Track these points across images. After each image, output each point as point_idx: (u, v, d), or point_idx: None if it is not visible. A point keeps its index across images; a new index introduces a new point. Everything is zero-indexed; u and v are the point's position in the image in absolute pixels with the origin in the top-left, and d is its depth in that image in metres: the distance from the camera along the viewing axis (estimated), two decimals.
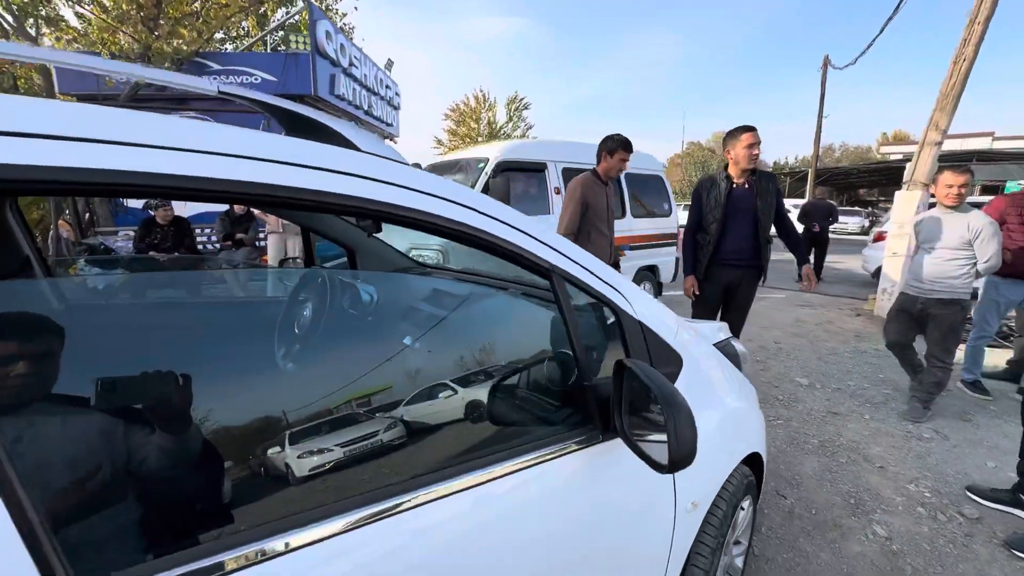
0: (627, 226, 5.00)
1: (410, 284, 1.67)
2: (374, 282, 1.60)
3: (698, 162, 35.20)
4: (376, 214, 0.72)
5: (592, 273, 1.00)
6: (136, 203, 7.15)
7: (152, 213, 5.12)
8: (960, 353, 3.50)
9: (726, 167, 2.78)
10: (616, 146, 2.89)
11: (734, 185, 2.72)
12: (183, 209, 5.69)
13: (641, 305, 1.11)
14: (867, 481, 2.37)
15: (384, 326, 1.41)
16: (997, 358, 4.08)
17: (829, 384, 3.62)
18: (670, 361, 1.18)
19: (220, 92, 0.83)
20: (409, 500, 0.69)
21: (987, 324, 3.46)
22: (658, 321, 1.16)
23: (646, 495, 1.08)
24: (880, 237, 7.27)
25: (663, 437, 0.84)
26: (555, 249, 0.93)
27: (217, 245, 5.56)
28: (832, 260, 10.04)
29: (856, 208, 24.29)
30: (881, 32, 9.42)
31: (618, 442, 0.99)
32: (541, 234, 0.91)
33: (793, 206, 9.29)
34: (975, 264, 2.79)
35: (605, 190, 2.95)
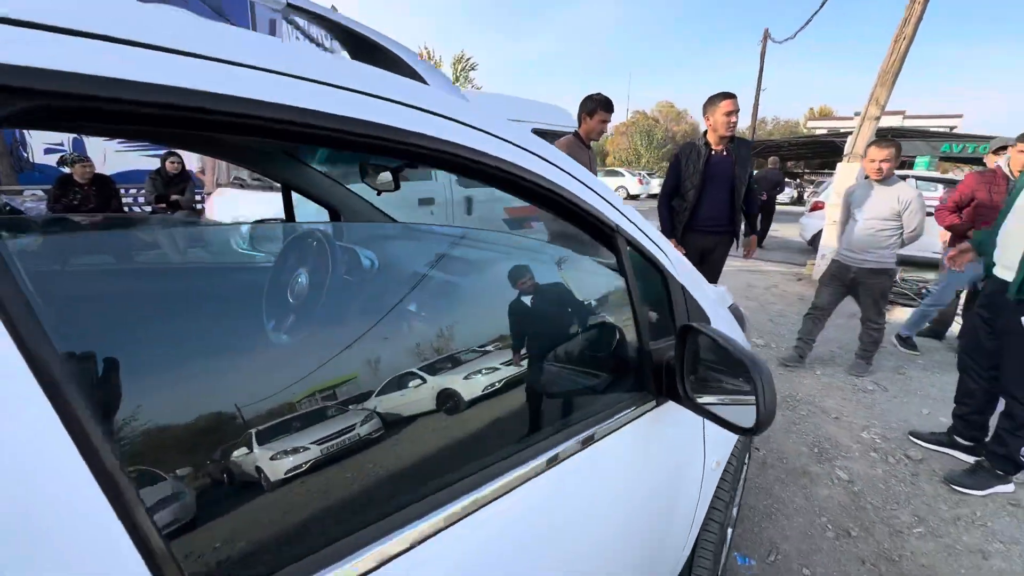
0: None
1: (423, 247, 1.56)
2: (386, 240, 1.48)
3: (643, 131, 35.78)
4: (456, 162, 0.63)
5: (646, 235, 0.96)
6: (46, 159, 6.25)
7: (68, 170, 4.48)
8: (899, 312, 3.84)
9: (705, 134, 2.80)
10: (596, 107, 2.83)
11: (712, 152, 2.76)
12: (104, 167, 5.04)
13: (681, 267, 1.09)
14: (826, 431, 2.58)
15: (400, 294, 1.31)
16: None
17: (782, 344, 3.88)
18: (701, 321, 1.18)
19: (288, 3, 0.69)
20: (488, 489, 0.63)
21: (945, 295, 3.74)
22: (694, 284, 1.15)
23: (684, 455, 1.10)
24: (817, 206, 7.77)
25: (735, 399, 0.84)
26: (618, 209, 0.88)
27: (147, 208, 5.01)
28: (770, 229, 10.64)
29: (787, 180, 25.79)
30: (822, 7, 9.81)
31: (668, 406, 0.99)
32: (606, 193, 0.86)
33: None
34: (902, 234, 2.96)
35: (588, 153, 2.90)
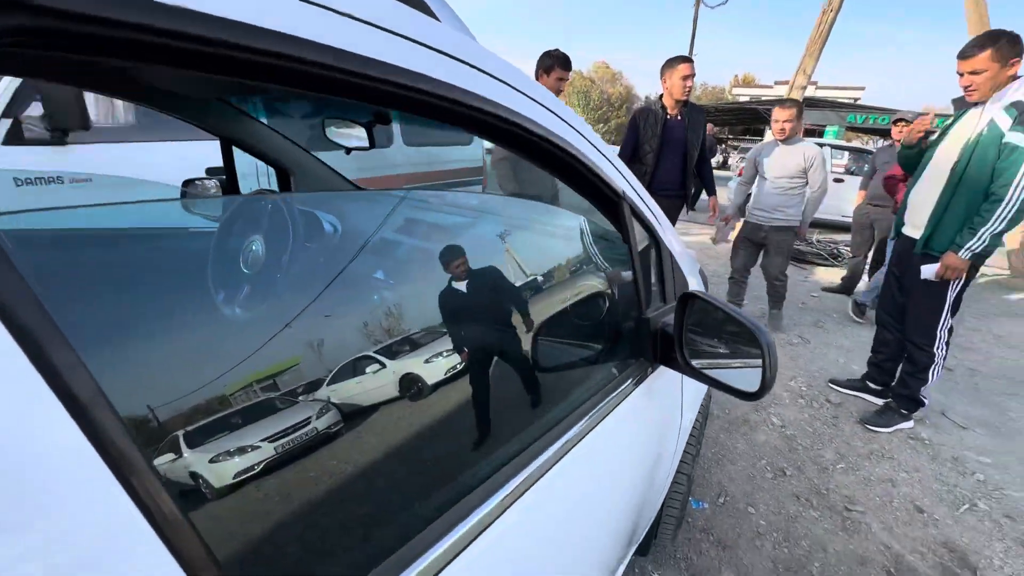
0: (398, 159, 3.33)
1: (392, 213, 1.45)
2: (344, 205, 1.35)
3: (580, 91, 35.68)
4: (464, 115, 0.56)
5: (644, 202, 0.94)
6: None
7: None
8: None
9: (661, 97, 2.81)
10: (553, 63, 2.74)
11: (668, 116, 2.79)
12: None
13: (670, 235, 1.09)
14: None
15: (370, 262, 1.21)
16: (833, 275, 5.00)
17: None
18: (682, 290, 1.21)
19: None
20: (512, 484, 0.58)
21: None
22: (679, 252, 1.16)
23: (667, 417, 1.14)
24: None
25: (732, 364, 0.87)
26: (623, 175, 0.85)
27: None
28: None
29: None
30: None
31: (660, 371, 1.00)
32: (612, 157, 0.82)
33: None
34: (806, 192, 3.11)
35: None
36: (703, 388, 1.49)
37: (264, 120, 1.45)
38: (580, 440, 0.72)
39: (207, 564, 0.30)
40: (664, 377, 1.04)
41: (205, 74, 0.34)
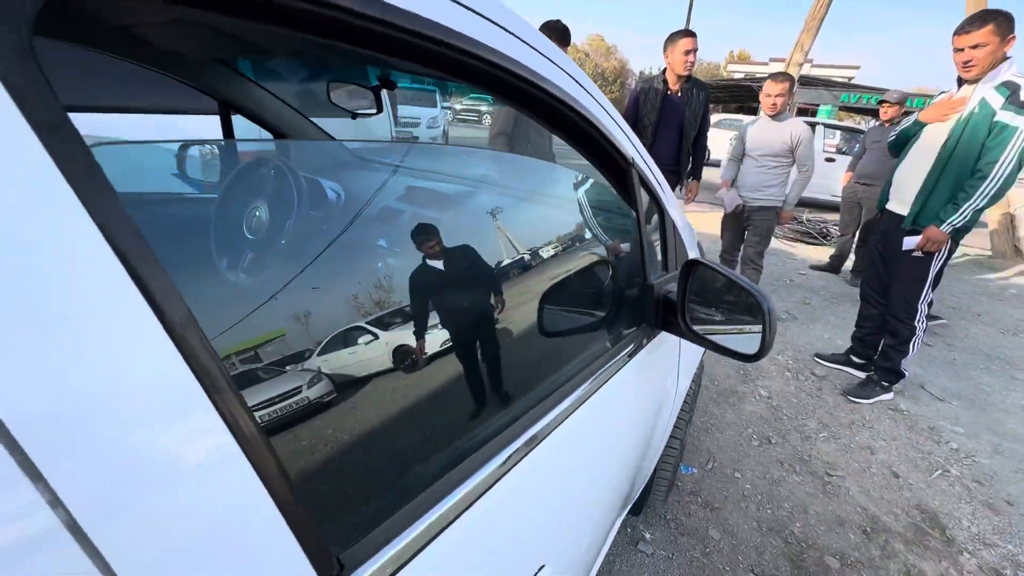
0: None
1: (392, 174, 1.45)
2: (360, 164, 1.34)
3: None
4: (483, 71, 0.54)
5: (651, 170, 0.96)
6: None
7: None
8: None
9: (663, 72, 2.79)
10: (551, 36, 2.70)
11: (669, 91, 2.77)
12: None
13: (672, 205, 1.12)
14: None
15: (376, 229, 1.22)
16: (822, 253, 5.08)
17: None
18: (683, 258, 1.24)
19: None
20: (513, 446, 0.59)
21: None
22: (681, 222, 1.18)
23: (665, 381, 1.18)
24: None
25: (731, 328, 0.90)
26: (632, 143, 0.86)
27: None
28: None
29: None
30: None
31: (661, 337, 1.04)
32: (622, 123, 0.83)
33: None
34: (789, 173, 2.95)
35: None
36: (697, 356, 1.54)
37: (264, 84, 1.43)
38: (582, 403, 0.73)
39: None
40: (663, 344, 1.08)
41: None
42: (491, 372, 0.76)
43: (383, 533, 0.42)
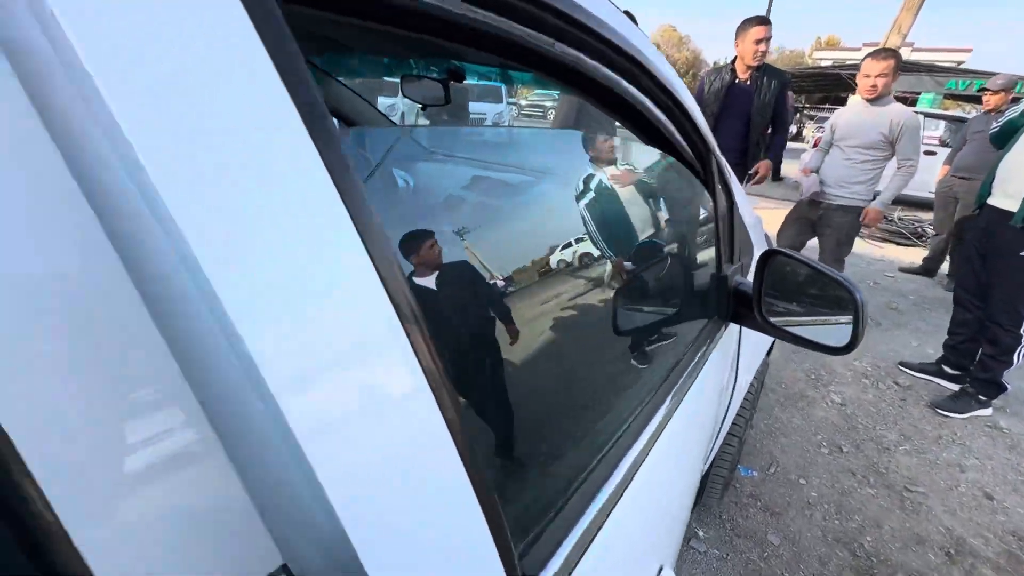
0: None
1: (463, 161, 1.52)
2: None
3: None
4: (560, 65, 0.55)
5: (723, 161, 0.94)
6: None
7: None
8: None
9: (733, 60, 2.68)
10: None
11: (736, 80, 2.66)
12: None
13: (741, 196, 1.09)
14: (822, 359, 2.72)
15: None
16: (915, 255, 4.64)
17: None
18: (747, 251, 1.20)
19: None
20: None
21: None
22: (746, 211, 1.15)
23: (725, 376, 1.15)
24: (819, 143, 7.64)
25: (815, 320, 0.87)
26: (708, 130, 0.85)
27: None
28: None
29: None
30: None
31: (729, 329, 1.01)
32: (697, 110, 0.82)
33: None
34: (882, 168, 2.56)
35: None
36: (761, 352, 1.48)
37: (335, 75, 1.52)
38: (681, 400, 0.71)
39: None
40: (726, 337, 1.05)
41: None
42: (603, 369, 0.72)
43: (553, 536, 0.43)
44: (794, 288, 0.87)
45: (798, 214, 2.87)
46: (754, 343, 1.39)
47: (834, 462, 1.95)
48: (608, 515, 0.49)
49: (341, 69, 1.55)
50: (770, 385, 2.44)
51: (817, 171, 2.76)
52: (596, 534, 0.46)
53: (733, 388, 1.26)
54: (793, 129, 20.55)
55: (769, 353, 1.75)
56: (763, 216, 4.21)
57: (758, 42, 2.52)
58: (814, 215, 2.76)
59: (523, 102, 14.06)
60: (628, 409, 0.64)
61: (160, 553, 0.20)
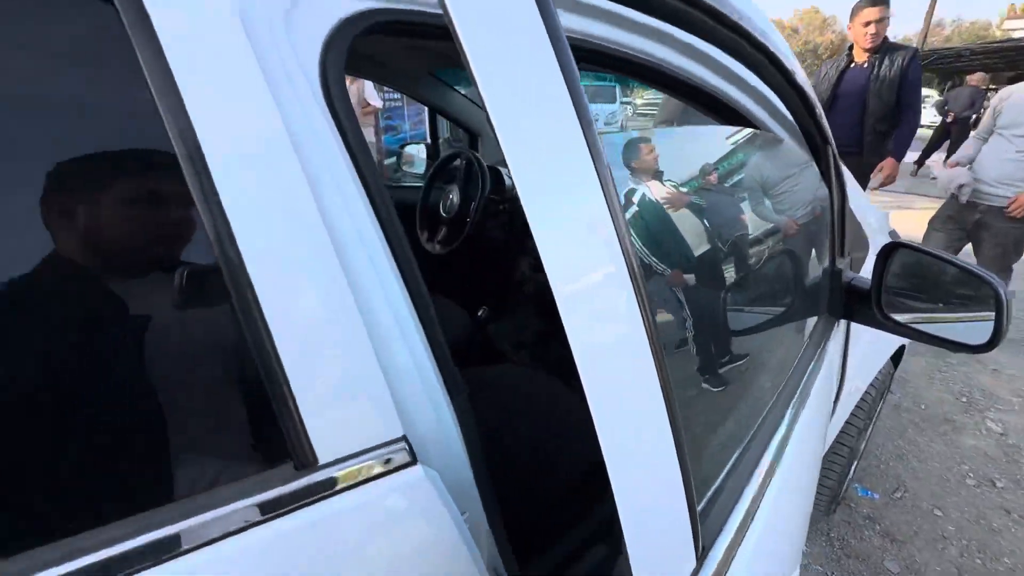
0: None
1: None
2: None
3: None
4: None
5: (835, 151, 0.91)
6: None
7: None
8: None
9: (851, 47, 2.45)
10: None
11: (852, 65, 2.41)
12: None
13: (853, 187, 1.04)
14: (979, 381, 2.33)
15: None
16: None
17: None
18: (860, 246, 1.13)
19: None
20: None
21: None
22: (858, 204, 1.09)
23: (834, 376, 1.09)
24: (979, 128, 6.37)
25: (946, 317, 0.82)
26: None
27: None
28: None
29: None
30: None
31: (835, 329, 0.96)
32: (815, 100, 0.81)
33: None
34: None
35: None
36: (879, 359, 1.36)
37: (460, 90, 1.71)
38: (805, 400, 0.71)
39: None
40: (835, 337, 0.99)
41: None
42: (740, 367, 0.73)
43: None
44: (921, 283, 0.82)
45: (949, 215, 2.40)
46: (867, 348, 1.29)
47: (982, 496, 1.69)
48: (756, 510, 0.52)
49: (461, 80, 1.75)
50: (905, 404, 2.16)
51: (971, 165, 2.30)
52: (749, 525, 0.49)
53: (838, 393, 1.19)
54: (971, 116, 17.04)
55: (897, 364, 1.58)
56: (920, 218, 3.44)
57: (867, 24, 2.27)
58: (969, 219, 2.31)
59: (638, 101, 13.68)
60: (761, 408, 0.66)
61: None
